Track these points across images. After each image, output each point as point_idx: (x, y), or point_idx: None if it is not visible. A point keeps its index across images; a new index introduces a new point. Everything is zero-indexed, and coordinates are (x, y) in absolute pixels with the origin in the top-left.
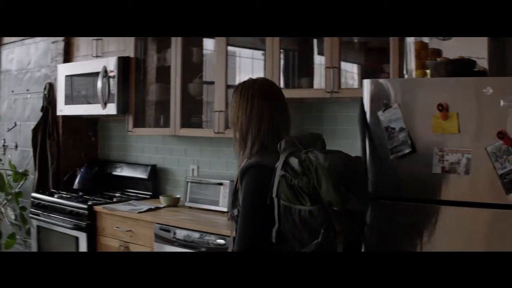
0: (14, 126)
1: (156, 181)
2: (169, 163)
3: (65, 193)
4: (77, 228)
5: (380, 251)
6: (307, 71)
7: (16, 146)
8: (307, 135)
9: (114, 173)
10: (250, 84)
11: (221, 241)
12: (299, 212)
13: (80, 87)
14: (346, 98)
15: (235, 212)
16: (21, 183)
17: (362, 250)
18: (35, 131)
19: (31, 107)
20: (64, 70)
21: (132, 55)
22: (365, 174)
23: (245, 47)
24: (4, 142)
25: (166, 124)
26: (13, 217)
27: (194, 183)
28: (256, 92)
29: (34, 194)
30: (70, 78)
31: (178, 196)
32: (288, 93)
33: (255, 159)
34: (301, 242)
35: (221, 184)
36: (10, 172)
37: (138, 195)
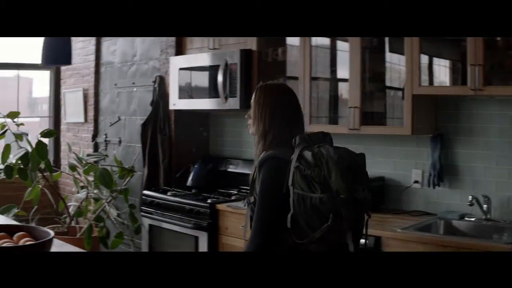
0: (117, 121)
1: None
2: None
3: (179, 190)
4: (197, 227)
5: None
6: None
7: (120, 141)
8: (318, 133)
9: (229, 169)
10: (274, 86)
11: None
12: (310, 199)
13: (196, 80)
14: (484, 96)
15: (251, 199)
16: (127, 179)
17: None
18: (144, 126)
19: (137, 101)
20: (177, 63)
21: (254, 47)
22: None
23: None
24: (106, 137)
25: None
26: (115, 214)
27: None
28: (280, 94)
29: (146, 192)
30: (184, 71)
31: None
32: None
33: (272, 151)
34: (311, 226)
35: None
36: (115, 169)
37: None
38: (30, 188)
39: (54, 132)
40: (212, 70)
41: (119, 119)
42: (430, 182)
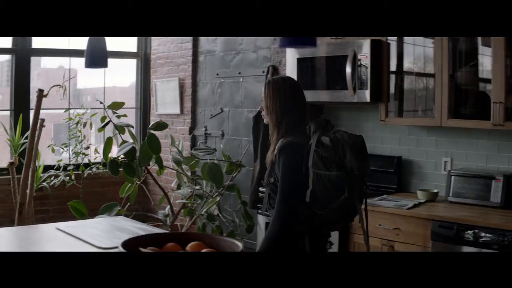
0: (220, 113)
1: (401, 174)
2: (415, 155)
3: None
4: None
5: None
6: None
7: (223, 134)
8: (322, 120)
9: None
10: (283, 80)
11: None
12: (328, 177)
13: (316, 71)
14: None
15: (271, 180)
16: (234, 175)
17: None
18: (256, 118)
19: (243, 92)
20: (294, 52)
21: (383, 38)
22: None
23: None
24: (206, 129)
25: (425, 114)
26: (215, 212)
27: (458, 176)
28: (289, 87)
29: (262, 189)
30: (303, 61)
31: (435, 190)
32: None
33: (289, 139)
34: (329, 200)
35: (492, 178)
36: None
37: (381, 189)
38: (130, 184)
39: (165, 124)
40: (337, 61)
41: (222, 110)
42: None
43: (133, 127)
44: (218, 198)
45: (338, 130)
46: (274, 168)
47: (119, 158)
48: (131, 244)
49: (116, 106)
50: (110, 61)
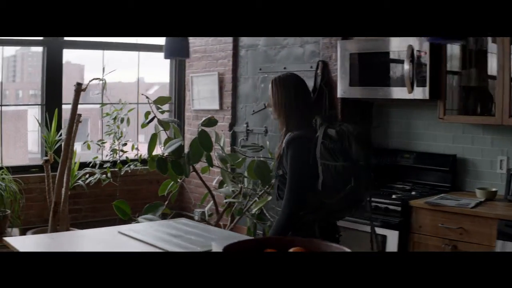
0: (263, 109)
1: (456, 173)
2: (469, 153)
3: None
4: (387, 225)
5: None
6: None
7: (266, 131)
8: (328, 114)
9: (400, 163)
10: (288, 76)
11: None
12: (335, 167)
13: (370, 67)
14: None
15: (280, 172)
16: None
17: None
18: None
19: None
20: (347, 47)
21: None
22: None
23: None
24: (247, 126)
25: (483, 113)
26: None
27: None
28: (294, 84)
29: None
30: (355, 56)
31: (494, 189)
32: None
33: (297, 132)
34: (337, 189)
35: None
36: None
37: (436, 187)
38: (172, 183)
39: (216, 121)
40: (394, 57)
41: (265, 106)
42: None
43: (179, 122)
44: (269, 197)
45: (343, 123)
46: (282, 161)
47: (164, 155)
48: (233, 248)
49: (162, 101)
50: (142, 55)
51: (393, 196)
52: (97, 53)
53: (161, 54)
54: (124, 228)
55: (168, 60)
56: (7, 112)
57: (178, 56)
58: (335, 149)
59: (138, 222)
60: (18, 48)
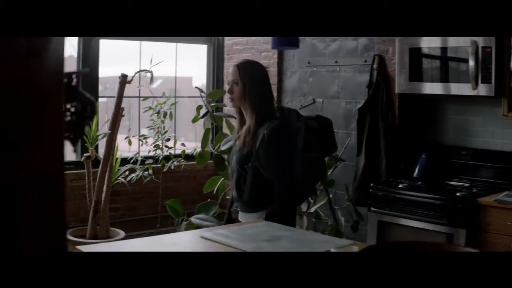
0: (311, 103)
1: None
2: None
3: (406, 182)
4: (453, 223)
5: None
6: None
7: None
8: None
9: (456, 160)
10: (256, 63)
11: None
12: (310, 157)
13: (431, 62)
14: None
15: (256, 163)
16: (332, 170)
17: None
18: (362, 110)
19: (341, 82)
20: (406, 41)
21: None
22: None
23: None
24: None
25: None
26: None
27: None
28: (263, 72)
29: (372, 184)
30: (416, 51)
31: None
32: None
33: (276, 123)
34: (309, 178)
35: None
36: None
37: (495, 185)
38: (221, 180)
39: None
40: (458, 52)
41: (314, 101)
42: None
43: (234, 118)
44: (330, 195)
45: (318, 114)
46: (259, 151)
47: (216, 152)
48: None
49: (215, 94)
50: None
51: (458, 194)
52: (115, 43)
53: (197, 46)
54: (207, 234)
55: (205, 53)
56: None
57: (288, 46)
58: (312, 139)
59: (190, 222)
60: None
